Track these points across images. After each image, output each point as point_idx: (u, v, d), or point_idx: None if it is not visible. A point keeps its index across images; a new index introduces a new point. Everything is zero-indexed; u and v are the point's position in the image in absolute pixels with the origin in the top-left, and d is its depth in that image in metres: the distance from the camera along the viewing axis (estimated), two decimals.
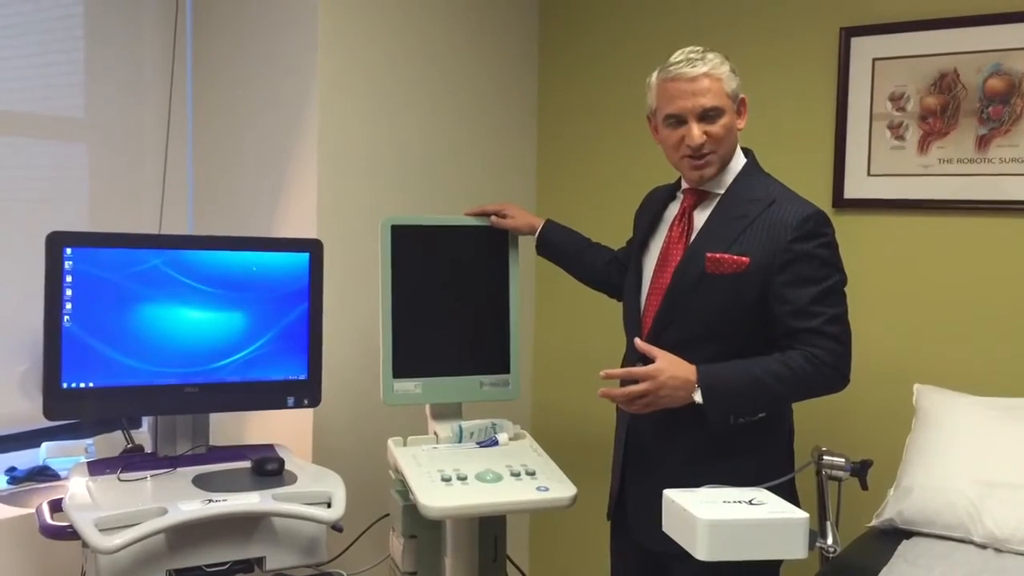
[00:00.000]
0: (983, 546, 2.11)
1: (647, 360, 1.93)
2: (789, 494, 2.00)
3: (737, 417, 1.95)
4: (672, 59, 1.99)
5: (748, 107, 2.06)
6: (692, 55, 1.96)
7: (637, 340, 1.96)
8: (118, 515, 1.86)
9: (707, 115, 1.95)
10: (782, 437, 2.10)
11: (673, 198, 2.14)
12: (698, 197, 2.06)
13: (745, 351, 1.95)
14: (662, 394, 1.89)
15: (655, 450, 2.04)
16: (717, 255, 1.95)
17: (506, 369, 2.39)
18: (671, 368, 1.89)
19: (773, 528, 1.64)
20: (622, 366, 2.08)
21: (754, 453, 2.01)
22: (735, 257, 1.94)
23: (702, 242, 1.99)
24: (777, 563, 2.07)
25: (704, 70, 1.94)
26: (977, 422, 2.30)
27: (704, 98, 1.94)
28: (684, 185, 2.10)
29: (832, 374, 1.93)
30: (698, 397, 1.89)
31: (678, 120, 1.97)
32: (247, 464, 2.19)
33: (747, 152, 2.08)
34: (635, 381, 1.90)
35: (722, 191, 2.03)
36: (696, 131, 1.95)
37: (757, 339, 1.98)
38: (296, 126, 2.59)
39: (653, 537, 1.82)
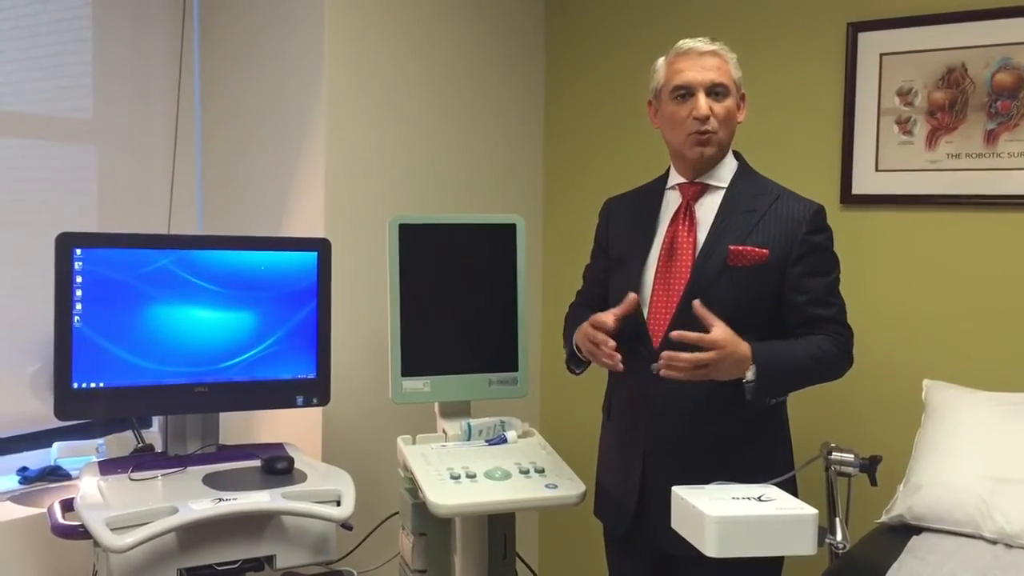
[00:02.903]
0: (993, 542, 2.11)
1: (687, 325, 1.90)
2: (791, 490, 2.00)
3: (772, 398, 1.97)
4: (681, 42, 2.05)
5: (755, 104, 2.09)
6: (701, 39, 2.04)
7: (696, 303, 1.88)
8: (129, 514, 1.87)
9: (714, 91, 1.99)
10: (787, 429, 2.13)
11: (661, 194, 2.13)
12: (698, 190, 2.06)
13: (764, 341, 1.97)
14: (723, 366, 1.87)
15: (683, 453, 2.01)
16: (740, 248, 1.98)
17: (514, 367, 2.39)
18: (734, 341, 1.87)
19: (782, 524, 1.64)
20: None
21: (771, 447, 2.06)
22: (756, 249, 1.98)
23: (718, 235, 2.00)
24: (780, 559, 2.07)
25: (714, 48, 2.02)
26: (987, 417, 2.29)
27: (712, 73, 2.00)
28: (678, 179, 2.09)
29: (846, 358, 2.05)
30: (750, 375, 1.90)
31: (686, 92, 2.00)
32: (257, 463, 2.20)
33: (737, 154, 2.11)
34: (697, 348, 1.85)
35: (723, 185, 2.06)
36: (703, 102, 1.98)
37: (772, 329, 2.02)
38: (303, 125, 2.60)
39: (680, 540, 1.76)
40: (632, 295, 1.97)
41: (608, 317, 1.96)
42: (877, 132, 2.71)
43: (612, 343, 1.92)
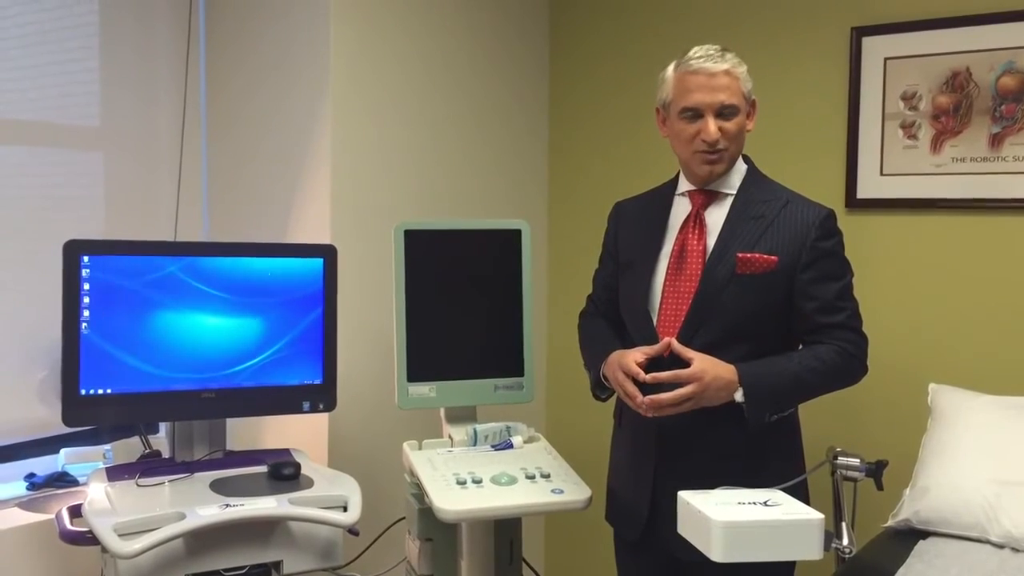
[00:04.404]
0: (1000, 546, 2.11)
1: (676, 362, 1.92)
2: (803, 495, 2.00)
3: (772, 414, 1.96)
4: (692, 54, 2.00)
5: (761, 108, 2.09)
6: (712, 52, 1.99)
7: (673, 342, 1.93)
8: (137, 520, 1.87)
9: (724, 112, 1.97)
10: (798, 435, 2.12)
11: (670, 200, 2.12)
12: (707, 197, 2.06)
13: (774, 349, 1.98)
14: (706, 395, 1.88)
15: (695, 460, 2.01)
16: (747, 255, 1.97)
17: (520, 372, 2.39)
18: (713, 369, 1.89)
19: (788, 529, 1.64)
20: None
21: (782, 453, 2.05)
22: (764, 256, 1.96)
23: (726, 242, 1.99)
24: (791, 564, 2.07)
25: (725, 67, 1.97)
26: (993, 421, 2.29)
27: (723, 94, 1.96)
28: (688, 186, 2.09)
29: (859, 366, 2.01)
30: (739, 397, 1.90)
31: (695, 114, 1.98)
32: (264, 469, 2.20)
33: (746, 159, 2.10)
34: (678, 384, 1.88)
35: (733, 192, 2.05)
36: (712, 126, 1.96)
37: (783, 336, 2.02)
38: (309, 132, 2.61)
39: (691, 546, 1.76)
40: (667, 339, 1.95)
41: (638, 364, 1.93)
42: (882, 136, 2.71)
43: (641, 398, 1.90)
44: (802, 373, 1.94)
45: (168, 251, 2.22)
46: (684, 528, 1.73)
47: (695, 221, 2.05)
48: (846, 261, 2.04)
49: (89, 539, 1.91)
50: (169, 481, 2.11)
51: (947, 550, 2.10)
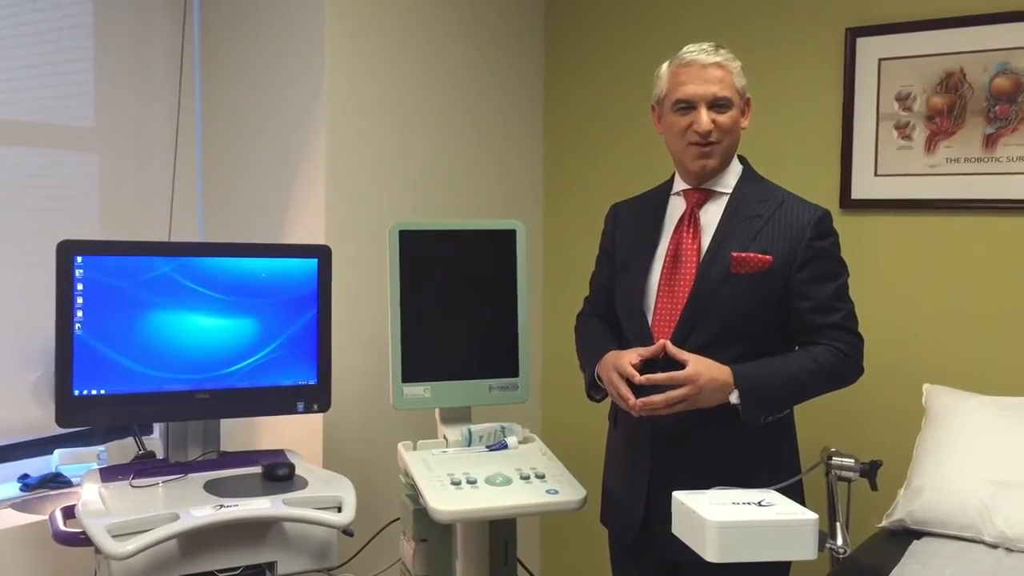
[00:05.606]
0: (994, 546, 2.11)
1: (671, 363, 1.92)
2: (798, 495, 2.00)
3: (767, 416, 1.95)
4: (685, 49, 2.02)
5: (755, 109, 2.09)
6: (706, 46, 2.01)
7: (668, 344, 1.93)
8: (130, 521, 1.87)
9: (717, 104, 1.98)
10: (794, 436, 2.12)
11: (666, 200, 2.12)
12: (702, 196, 2.06)
13: (769, 349, 1.97)
14: (701, 397, 1.88)
15: (690, 461, 2.01)
16: (742, 254, 1.96)
17: (515, 372, 2.39)
18: (708, 371, 1.89)
19: (783, 529, 1.64)
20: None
21: (777, 454, 2.05)
22: (759, 256, 1.96)
23: (721, 241, 1.99)
24: (786, 564, 2.07)
25: (718, 60, 1.99)
26: (987, 422, 2.30)
27: (715, 86, 1.97)
28: (683, 185, 2.09)
29: (854, 367, 2.01)
30: (734, 398, 1.90)
31: (688, 106, 1.99)
32: (258, 469, 2.20)
33: (742, 159, 2.10)
34: (673, 385, 1.88)
35: (728, 191, 2.05)
36: (705, 117, 1.97)
37: (778, 336, 2.01)
38: (304, 133, 2.61)
39: (687, 549, 1.75)
40: (662, 341, 1.95)
41: (633, 365, 1.93)
42: (876, 137, 2.72)
43: (634, 399, 1.90)
44: (798, 374, 1.94)
45: (162, 251, 2.21)
46: (679, 529, 1.73)
47: (690, 220, 2.05)
48: (842, 261, 2.04)
49: (83, 540, 1.90)
50: (163, 482, 2.11)
51: (941, 550, 2.11)
